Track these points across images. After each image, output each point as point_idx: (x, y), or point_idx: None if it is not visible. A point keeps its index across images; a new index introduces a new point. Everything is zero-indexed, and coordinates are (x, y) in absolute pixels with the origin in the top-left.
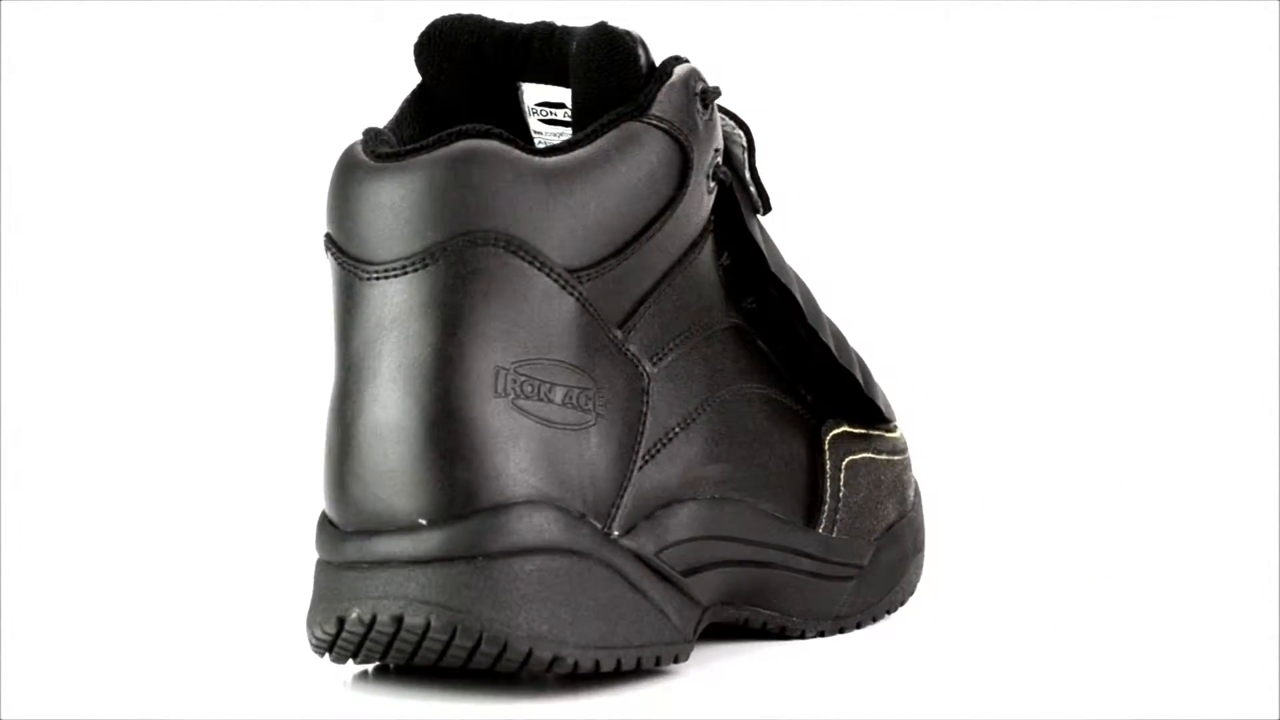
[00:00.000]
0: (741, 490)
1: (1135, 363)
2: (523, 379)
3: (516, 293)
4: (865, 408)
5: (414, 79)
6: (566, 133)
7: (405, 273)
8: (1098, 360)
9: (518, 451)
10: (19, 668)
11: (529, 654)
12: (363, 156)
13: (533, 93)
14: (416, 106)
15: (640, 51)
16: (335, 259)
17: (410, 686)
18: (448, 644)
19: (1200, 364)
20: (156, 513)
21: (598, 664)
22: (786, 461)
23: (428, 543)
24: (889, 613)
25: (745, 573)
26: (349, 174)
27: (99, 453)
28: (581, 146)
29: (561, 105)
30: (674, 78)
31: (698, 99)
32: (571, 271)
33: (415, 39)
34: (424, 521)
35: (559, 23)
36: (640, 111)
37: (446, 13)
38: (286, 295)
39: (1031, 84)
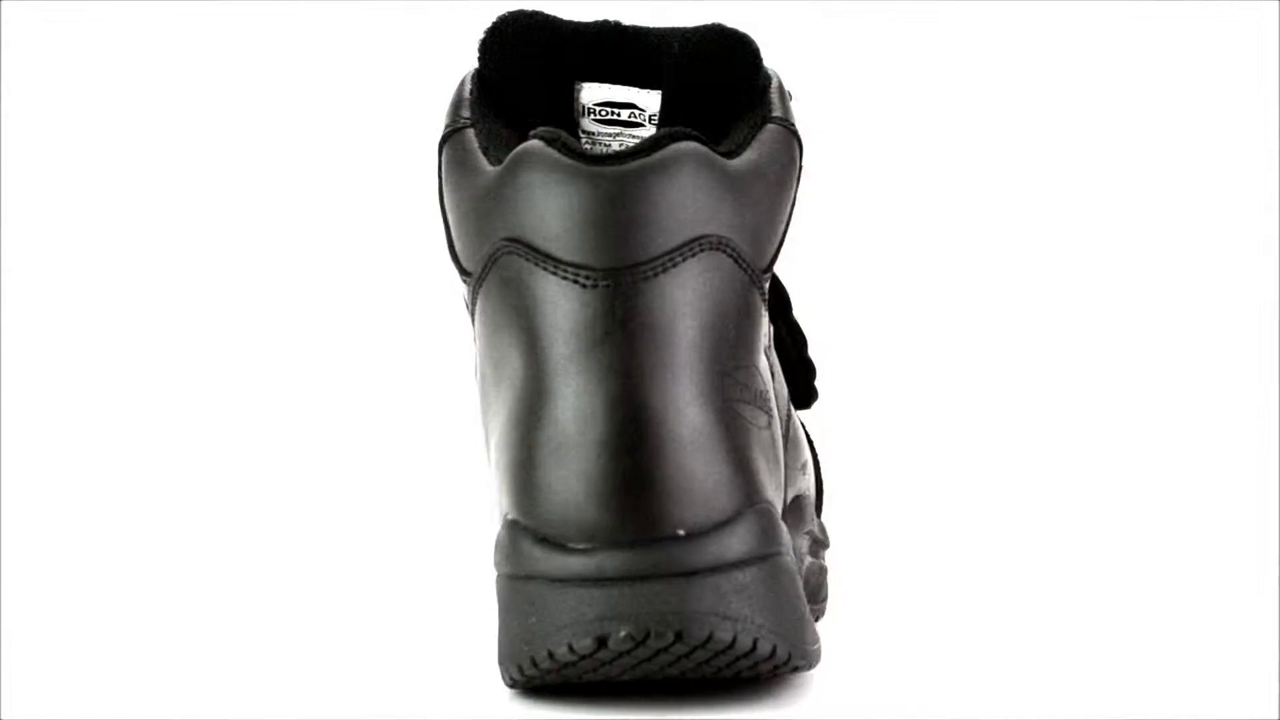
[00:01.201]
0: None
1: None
2: (738, 383)
3: (729, 296)
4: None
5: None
6: (628, 134)
7: (651, 278)
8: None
9: (744, 456)
10: (19, 668)
11: (786, 659)
12: (566, 159)
13: (593, 92)
14: (479, 98)
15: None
16: (537, 264)
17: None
18: (726, 654)
19: (1199, 364)
20: (157, 512)
21: (808, 664)
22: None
23: (697, 552)
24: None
25: None
26: (558, 177)
27: (98, 453)
28: (742, 149)
29: (630, 106)
30: (774, 80)
31: (790, 99)
32: (757, 273)
33: (484, 31)
34: (682, 532)
35: (625, 23)
36: (771, 114)
37: (514, 8)
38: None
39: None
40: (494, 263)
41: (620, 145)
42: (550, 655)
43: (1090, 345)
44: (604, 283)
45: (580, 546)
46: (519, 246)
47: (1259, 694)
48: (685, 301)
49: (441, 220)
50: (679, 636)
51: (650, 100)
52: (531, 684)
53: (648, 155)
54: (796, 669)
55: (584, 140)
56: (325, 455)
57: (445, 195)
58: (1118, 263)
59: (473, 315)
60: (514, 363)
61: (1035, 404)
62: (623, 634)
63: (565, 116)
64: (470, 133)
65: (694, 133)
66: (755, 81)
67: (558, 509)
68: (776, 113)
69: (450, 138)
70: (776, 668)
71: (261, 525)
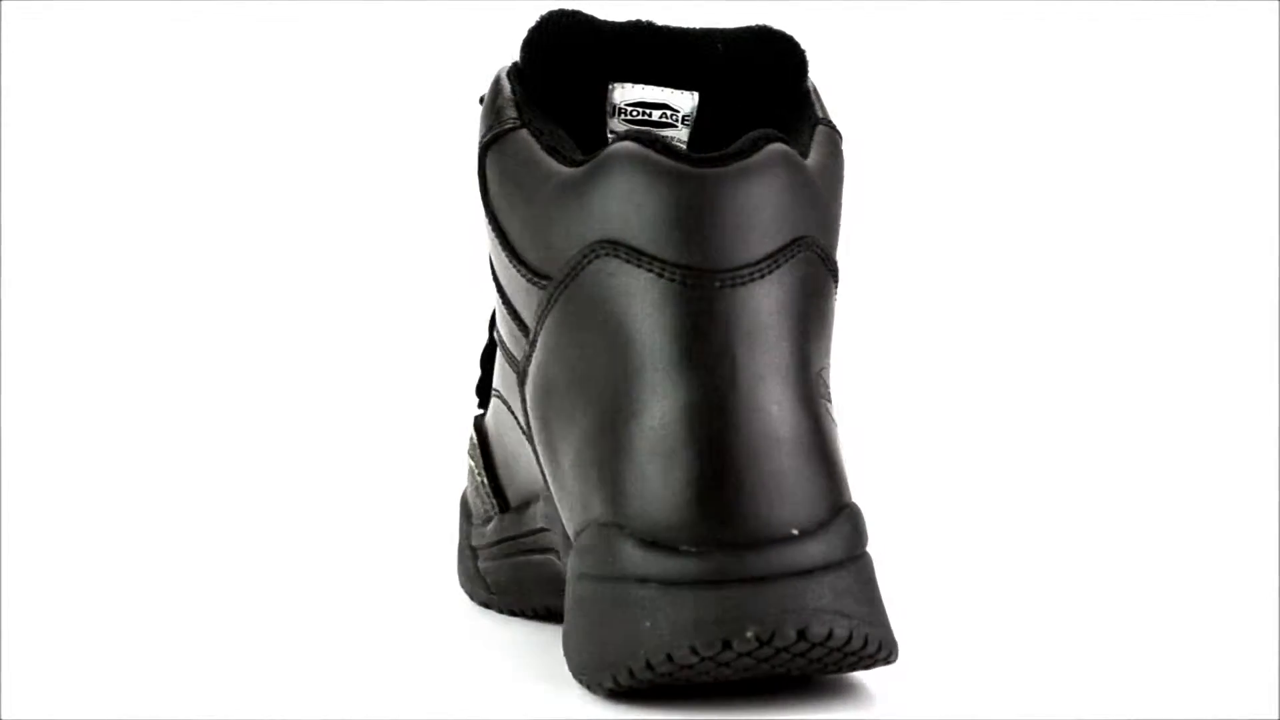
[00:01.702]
0: None
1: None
2: (824, 382)
3: (819, 297)
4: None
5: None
6: (663, 135)
7: (757, 279)
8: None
9: (835, 457)
10: (19, 668)
11: (884, 654)
12: (667, 161)
13: (627, 93)
14: (525, 98)
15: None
16: (639, 266)
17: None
18: (840, 650)
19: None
20: (156, 513)
21: (895, 658)
22: None
23: (809, 552)
24: None
25: None
26: (662, 180)
27: (97, 452)
28: (807, 152)
29: (663, 107)
30: (811, 81)
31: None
32: (835, 273)
33: (528, 30)
34: (795, 531)
35: (657, 23)
36: (820, 116)
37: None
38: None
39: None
40: (585, 265)
41: None
42: (669, 658)
43: (1092, 345)
44: (710, 284)
45: (692, 550)
46: (619, 248)
47: (1259, 694)
48: (786, 302)
49: (491, 225)
50: (801, 635)
51: (684, 101)
52: (633, 689)
53: (747, 157)
54: (886, 662)
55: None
56: (322, 453)
57: (503, 198)
58: (1117, 263)
59: (540, 318)
60: (608, 365)
61: (1036, 403)
62: (749, 634)
63: (588, 115)
64: (524, 134)
65: (780, 134)
66: (801, 85)
67: (666, 512)
68: (822, 114)
69: (500, 139)
70: (874, 662)
71: (261, 525)
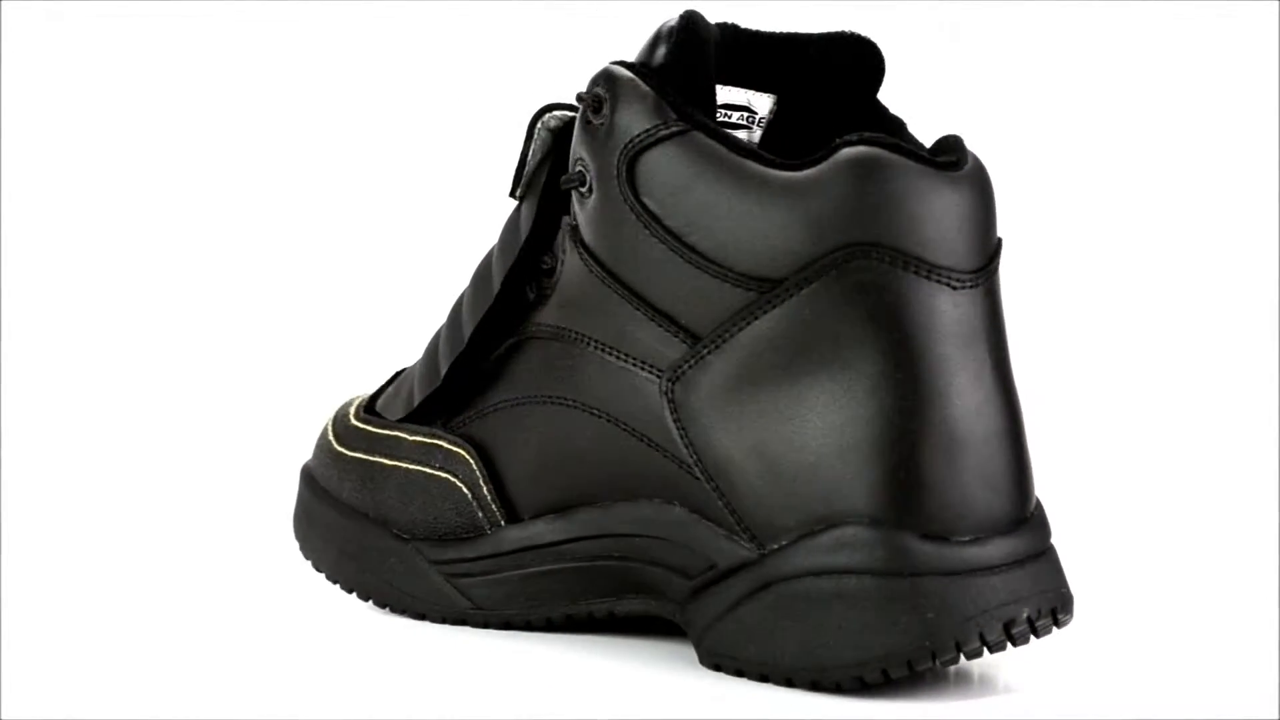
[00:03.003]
0: None
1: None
2: None
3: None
4: None
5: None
6: (738, 136)
7: (984, 280)
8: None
9: None
10: (19, 668)
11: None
12: (925, 165)
13: (722, 94)
14: (679, 100)
15: None
16: (907, 268)
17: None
18: (1063, 624)
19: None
20: (157, 513)
21: None
22: None
23: (1041, 536)
24: None
25: None
26: (925, 184)
27: (97, 453)
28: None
29: (743, 109)
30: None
31: None
32: None
33: (676, 32)
34: (1028, 516)
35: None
36: (903, 122)
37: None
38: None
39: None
40: (836, 266)
41: None
42: (956, 646)
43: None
44: (971, 283)
45: (967, 539)
46: (882, 251)
47: (1259, 694)
48: (999, 303)
49: (648, 229)
50: (1061, 608)
51: (763, 104)
52: (912, 678)
53: (967, 159)
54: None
55: None
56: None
57: (680, 202)
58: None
59: (738, 319)
60: (872, 367)
61: (1036, 404)
62: (1025, 615)
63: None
64: (698, 135)
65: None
66: (876, 90)
67: (948, 505)
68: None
69: (664, 142)
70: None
71: (260, 525)
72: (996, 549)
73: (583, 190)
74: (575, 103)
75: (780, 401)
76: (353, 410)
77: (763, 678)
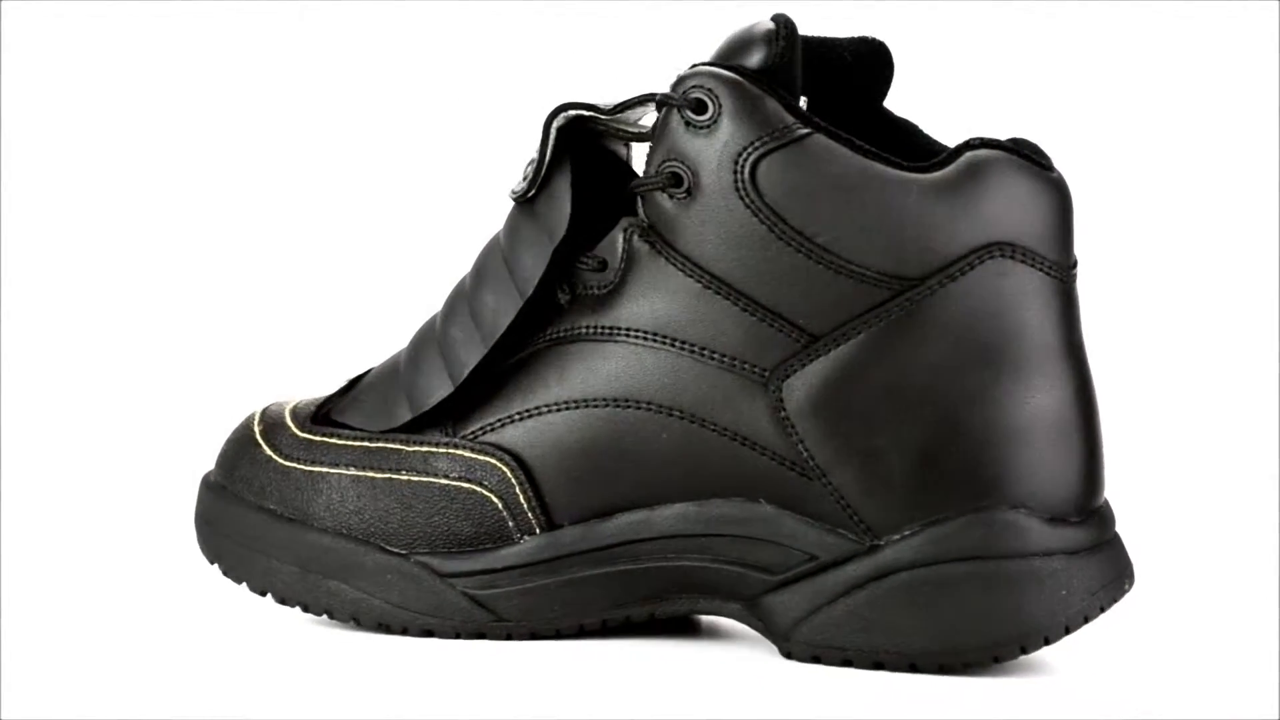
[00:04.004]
0: None
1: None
2: None
3: None
4: None
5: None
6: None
7: (1071, 277)
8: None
9: None
10: (19, 668)
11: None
12: (1035, 166)
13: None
14: (786, 103)
15: None
16: (1029, 264)
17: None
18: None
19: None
20: (157, 513)
21: None
22: None
23: (1105, 525)
24: None
25: None
26: (1039, 185)
27: (97, 453)
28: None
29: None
30: None
31: None
32: None
33: (769, 28)
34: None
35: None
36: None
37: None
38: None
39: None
40: (975, 264)
41: None
42: (1084, 618)
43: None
44: (1065, 276)
45: (1077, 520)
46: (1012, 249)
47: (1259, 694)
48: None
49: (776, 231)
50: (1131, 582)
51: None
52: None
53: (1052, 161)
54: None
55: None
56: None
57: (810, 203)
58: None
59: (866, 315)
60: (999, 359)
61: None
62: (1126, 587)
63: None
64: (820, 138)
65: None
66: (885, 94)
67: (1061, 488)
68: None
69: (788, 146)
70: None
71: None
72: (1095, 530)
73: (676, 192)
74: (660, 103)
75: (906, 396)
76: (291, 423)
77: (877, 665)
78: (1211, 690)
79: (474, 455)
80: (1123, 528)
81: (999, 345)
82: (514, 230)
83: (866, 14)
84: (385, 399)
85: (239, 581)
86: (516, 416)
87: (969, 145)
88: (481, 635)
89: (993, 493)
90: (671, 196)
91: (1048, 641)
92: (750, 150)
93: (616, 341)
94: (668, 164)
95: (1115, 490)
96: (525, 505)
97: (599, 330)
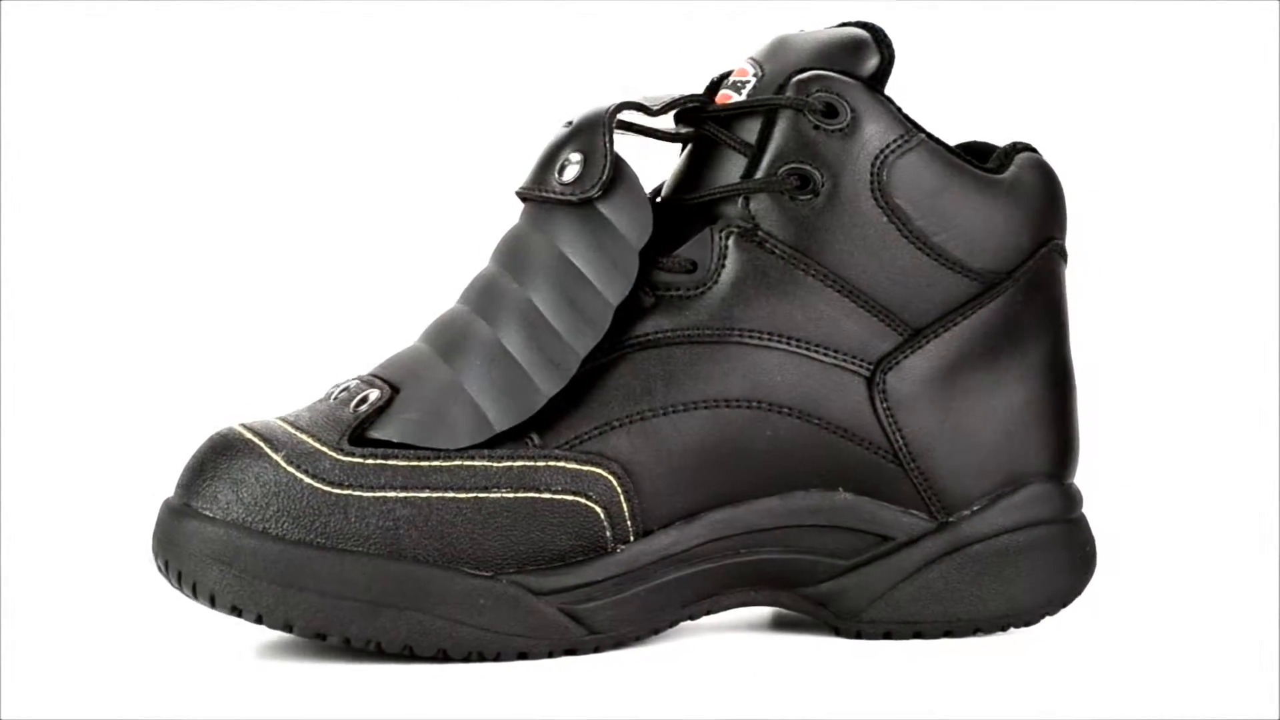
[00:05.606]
0: None
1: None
2: None
3: None
4: None
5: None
6: None
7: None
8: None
9: None
10: (19, 668)
11: None
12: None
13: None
14: (900, 110)
15: None
16: (1064, 260)
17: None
18: None
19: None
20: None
21: None
22: None
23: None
24: None
25: None
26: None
27: (98, 453)
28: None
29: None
30: None
31: None
32: None
33: (870, 38)
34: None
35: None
36: None
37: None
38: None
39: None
40: (1043, 260)
41: None
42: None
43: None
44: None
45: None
46: (1059, 246)
47: (1259, 694)
48: None
49: (901, 230)
50: None
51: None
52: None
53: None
54: None
55: None
56: None
57: (927, 204)
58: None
59: (964, 306)
60: (1044, 346)
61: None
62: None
63: None
64: (930, 143)
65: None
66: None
67: (1076, 459)
68: None
69: (912, 151)
70: None
71: None
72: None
73: (800, 194)
74: (786, 105)
75: (983, 382)
76: (322, 446)
77: (947, 634)
78: (1212, 690)
79: (579, 466)
80: (1127, 518)
81: (1060, 329)
82: (583, 226)
83: (866, 14)
84: (439, 415)
85: (286, 628)
86: (617, 423)
87: (1016, 149)
88: (573, 651)
89: (1042, 467)
90: (793, 198)
91: (1081, 592)
92: (886, 153)
93: (729, 343)
94: (792, 166)
95: (1117, 482)
96: (627, 514)
97: (708, 332)
